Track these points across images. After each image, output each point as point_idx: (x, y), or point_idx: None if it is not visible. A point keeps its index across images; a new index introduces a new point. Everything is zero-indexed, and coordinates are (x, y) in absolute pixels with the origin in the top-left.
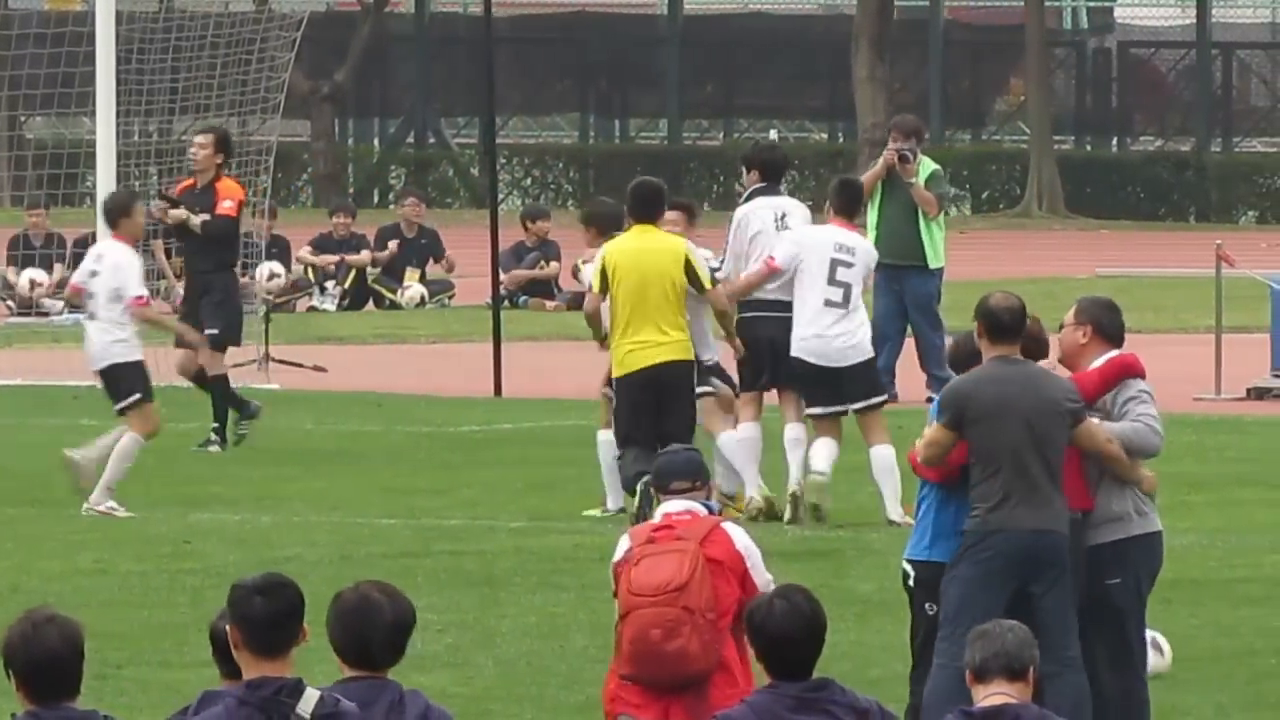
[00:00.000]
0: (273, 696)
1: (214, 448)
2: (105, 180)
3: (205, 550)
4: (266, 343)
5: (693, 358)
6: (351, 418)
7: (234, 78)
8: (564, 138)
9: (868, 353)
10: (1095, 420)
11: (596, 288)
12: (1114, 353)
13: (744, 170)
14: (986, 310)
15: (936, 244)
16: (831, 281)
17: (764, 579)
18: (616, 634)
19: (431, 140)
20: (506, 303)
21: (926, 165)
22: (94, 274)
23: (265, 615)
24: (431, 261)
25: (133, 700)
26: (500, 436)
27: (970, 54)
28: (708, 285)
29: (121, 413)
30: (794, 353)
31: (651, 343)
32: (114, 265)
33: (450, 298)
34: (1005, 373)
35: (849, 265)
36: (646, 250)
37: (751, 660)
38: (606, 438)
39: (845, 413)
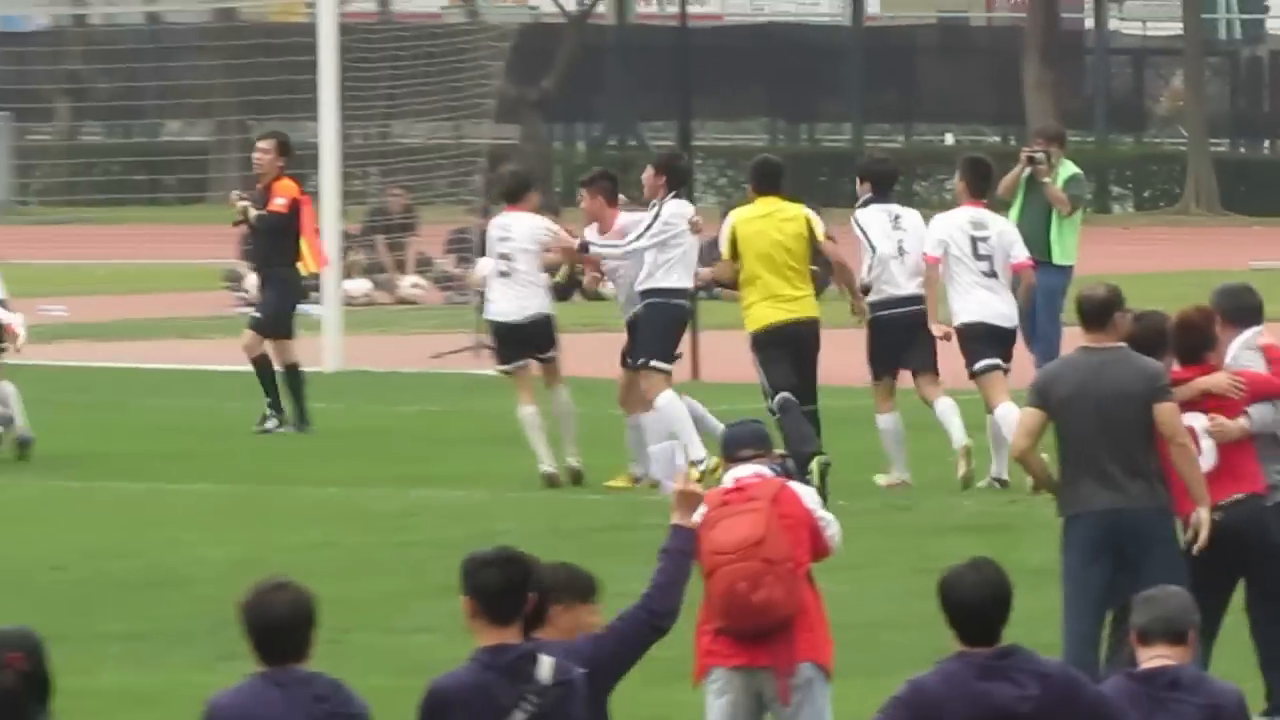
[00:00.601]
0: (514, 661)
1: (271, 423)
2: (329, 180)
3: (425, 524)
4: (479, 330)
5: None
6: None
7: (447, 84)
8: (755, 140)
9: (1015, 321)
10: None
11: (726, 254)
12: (1249, 333)
13: (858, 181)
14: (1076, 301)
15: (1065, 242)
16: (977, 257)
17: (831, 532)
18: (705, 594)
19: (632, 142)
20: (702, 294)
21: (1068, 168)
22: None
23: (499, 586)
24: None
25: (359, 663)
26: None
27: (1132, 63)
28: (822, 239)
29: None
30: (965, 319)
31: (786, 297)
32: None
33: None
34: (1086, 360)
35: (985, 239)
36: (772, 217)
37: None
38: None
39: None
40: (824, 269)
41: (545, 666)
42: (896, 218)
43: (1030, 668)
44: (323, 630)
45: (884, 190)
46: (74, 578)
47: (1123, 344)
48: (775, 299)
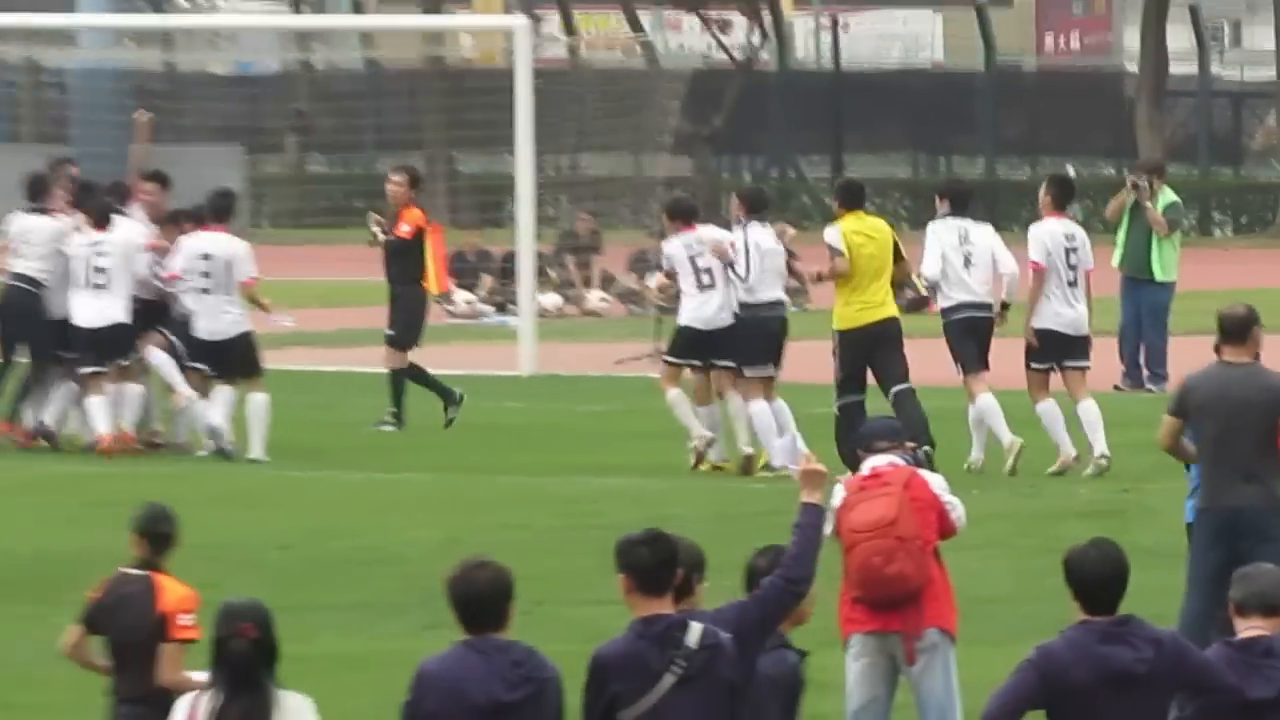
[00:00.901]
0: (664, 630)
1: (387, 427)
2: (525, 206)
3: (607, 509)
4: (656, 339)
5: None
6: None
7: (630, 122)
8: (898, 171)
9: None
10: None
11: (848, 255)
12: None
13: (939, 198)
14: (1217, 318)
15: (1165, 261)
16: (1068, 265)
17: (956, 514)
18: (845, 568)
19: (791, 174)
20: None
21: (1168, 195)
22: None
23: (650, 562)
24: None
25: (549, 632)
26: None
27: (1231, 104)
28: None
29: None
30: (1044, 325)
31: (875, 303)
32: None
33: (808, 302)
34: (1221, 372)
35: (1075, 250)
36: (869, 229)
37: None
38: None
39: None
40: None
41: (694, 633)
42: (966, 232)
43: (1145, 634)
44: (518, 603)
45: (960, 207)
46: (299, 556)
47: (1257, 360)
48: (866, 304)
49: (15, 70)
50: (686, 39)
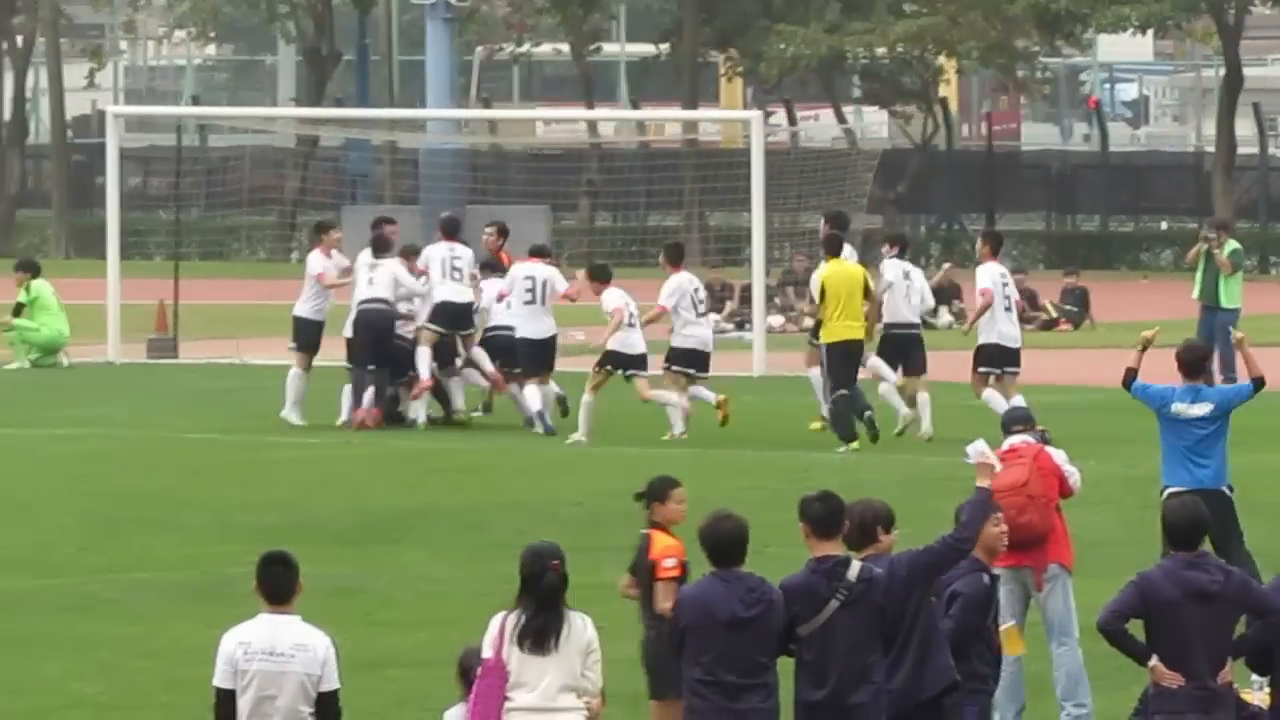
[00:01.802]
0: (832, 567)
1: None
2: (757, 250)
3: (817, 476)
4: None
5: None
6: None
7: (835, 188)
8: (1036, 225)
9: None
10: None
11: (819, 299)
12: None
13: (980, 242)
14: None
15: (1230, 292)
16: (1005, 295)
17: (1074, 480)
18: None
19: (956, 227)
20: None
21: (1232, 244)
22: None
23: (822, 513)
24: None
25: (774, 568)
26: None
27: None
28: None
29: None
30: (990, 340)
31: (854, 325)
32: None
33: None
34: None
35: (1007, 284)
36: (845, 272)
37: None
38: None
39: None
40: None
41: (854, 568)
42: (1005, 274)
43: (1217, 565)
44: (751, 545)
45: (996, 251)
46: (588, 511)
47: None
48: (848, 325)
49: (380, 150)
50: (872, 120)
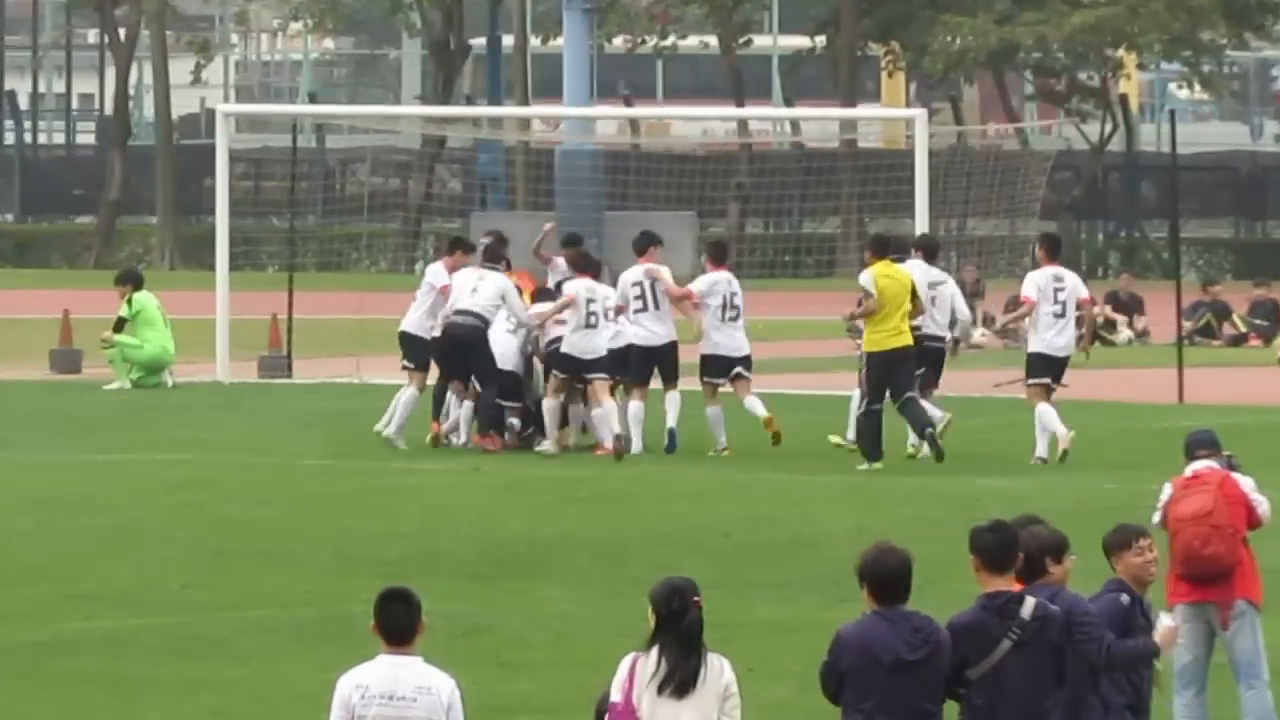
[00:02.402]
0: (1004, 604)
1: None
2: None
3: (988, 505)
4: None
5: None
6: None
7: (1006, 193)
8: (1224, 233)
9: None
10: None
11: (877, 295)
12: None
13: (1038, 248)
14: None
15: None
16: (1054, 301)
17: (1262, 510)
18: (1171, 550)
19: (1136, 234)
20: (1186, 341)
21: None
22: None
23: (993, 545)
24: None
25: (939, 605)
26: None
27: None
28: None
29: None
30: (1036, 349)
31: (896, 330)
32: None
33: (1144, 340)
34: None
35: (1062, 289)
36: (895, 275)
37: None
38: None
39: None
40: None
41: (1028, 606)
42: (1059, 279)
43: None
44: (916, 580)
45: (1053, 256)
46: (737, 542)
47: None
48: (892, 331)
49: (513, 151)
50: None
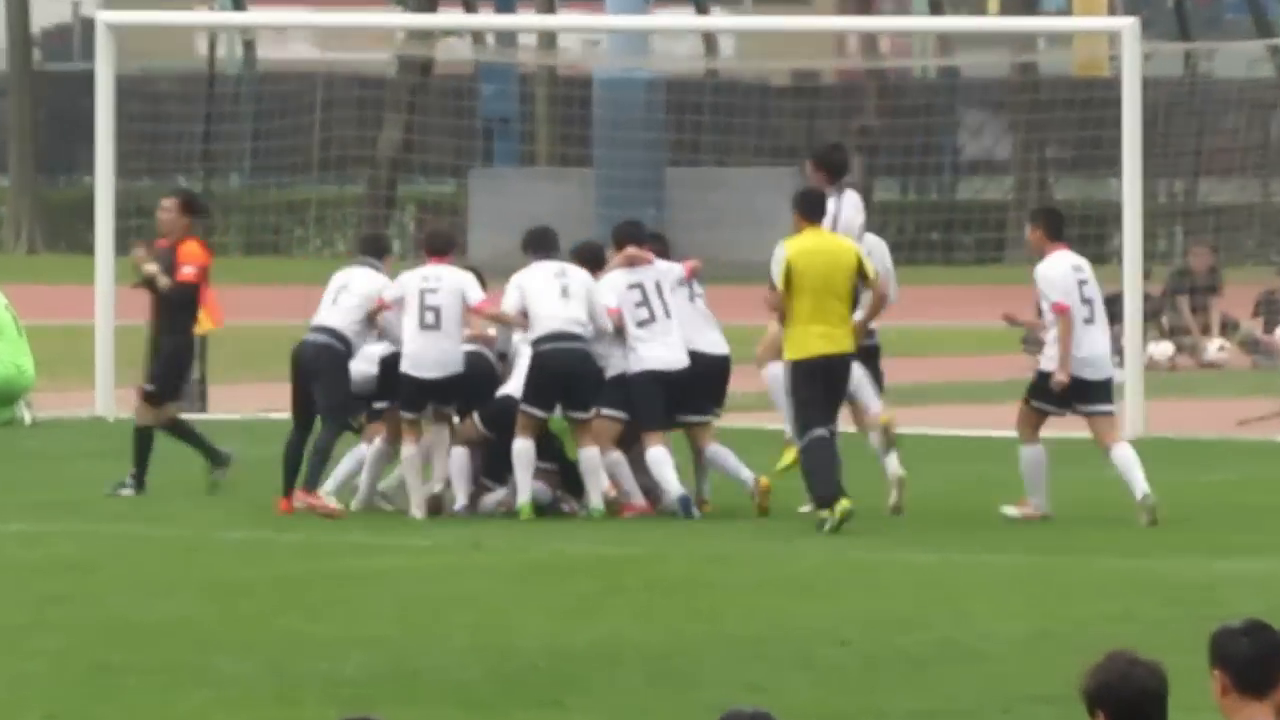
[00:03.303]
0: None
1: (126, 491)
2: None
3: (1227, 597)
4: None
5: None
6: None
7: (1256, 140)
8: None
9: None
10: None
11: (781, 285)
12: None
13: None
14: None
15: None
16: (1083, 301)
17: None
18: None
19: None
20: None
21: None
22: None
23: (1250, 656)
24: None
25: None
26: None
27: None
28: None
29: None
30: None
31: (829, 331)
32: None
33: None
34: None
35: (1086, 281)
36: (824, 248)
37: None
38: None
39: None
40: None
41: None
42: (1081, 268)
43: None
44: None
45: (1056, 233)
46: (858, 652)
47: None
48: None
49: (531, 80)
50: None
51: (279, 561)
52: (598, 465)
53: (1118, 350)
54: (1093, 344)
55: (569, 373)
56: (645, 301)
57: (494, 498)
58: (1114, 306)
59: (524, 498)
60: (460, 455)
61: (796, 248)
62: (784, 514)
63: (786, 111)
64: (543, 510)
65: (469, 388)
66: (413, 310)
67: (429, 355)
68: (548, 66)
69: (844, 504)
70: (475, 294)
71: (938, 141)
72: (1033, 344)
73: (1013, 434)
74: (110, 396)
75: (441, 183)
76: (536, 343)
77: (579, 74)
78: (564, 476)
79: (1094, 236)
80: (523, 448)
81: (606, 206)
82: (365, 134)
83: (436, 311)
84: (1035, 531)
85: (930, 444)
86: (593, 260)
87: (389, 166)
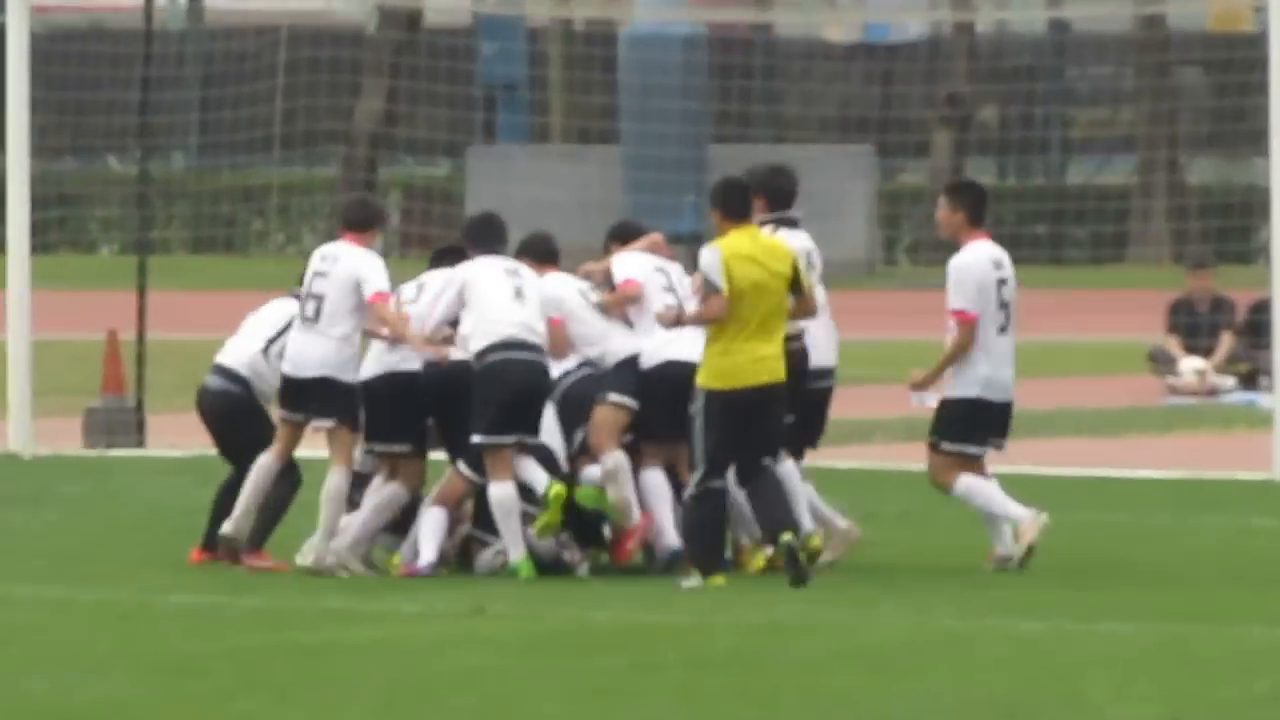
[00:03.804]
0: None
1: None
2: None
3: None
4: None
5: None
6: None
7: None
8: None
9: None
10: None
11: (726, 290)
12: None
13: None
14: None
15: None
16: (1000, 305)
17: None
18: None
19: None
20: None
21: None
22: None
23: None
24: None
25: None
26: None
27: None
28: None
29: None
30: (965, 392)
31: (755, 354)
32: None
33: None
34: None
35: (1005, 281)
36: (762, 255)
37: None
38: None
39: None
40: None
41: None
42: (1001, 263)
43: None
44: None
45: (978, 218)
46: None
47: None
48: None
49: (543, 37)
50: None
51: (235, 632)
52: (512, 507)
53: (1267, 370)
54: (1003, 359)
55: (529, 389)
56: (672, 289)
57: (490, 553)
58: (1260, 315)
59: (517, 553)
60: (436, 516)
61: (731, 250)
62: (852, 570)
63: (856, 75)
64: (547, 567)
65: (404, 403)
66: (303, 296)
67: (310, 357)
68: (562, 20)
69: (719, 580)
70: (375, 283)
71: (1043, 113)
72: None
73: (1138, 472)
74: (27, 430)
75: (433, 164)
76: (483, 353)
77: (601, 29)
78: (567, 520)
79: (1236, 230)
80: (503, 494)
81: (635, 192)
82: (339, 104)
83: (319, 303)
84: (1166, 594)
85: (1032, 485)
86: (545, 255)
87: (368, 144)
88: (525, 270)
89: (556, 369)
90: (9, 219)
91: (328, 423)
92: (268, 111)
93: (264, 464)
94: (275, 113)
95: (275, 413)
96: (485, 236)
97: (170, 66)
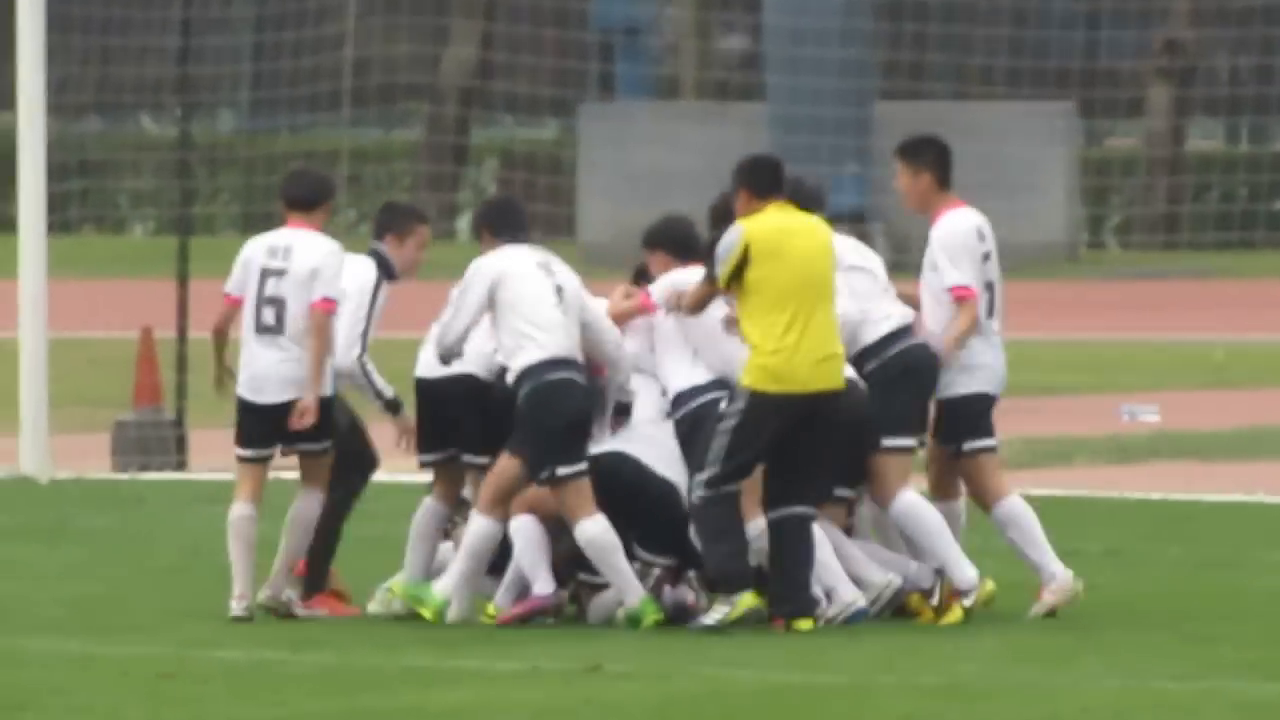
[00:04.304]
0: None
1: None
2: None
3: None
4: None
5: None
6: None
7: None
8: None
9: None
10: None
11: (724, 281)
12: None
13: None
14: None
15: None
16: (985, 286)
17: None
18: None
19: None
20: None
21: None
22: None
23: None
24: None
25: None
26: None
27: None
28: None
29: None
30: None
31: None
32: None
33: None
34: None
35: (990, 256)
36: (798, 233)
37: None
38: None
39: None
40: None
41: None
42: (982, 234)
43: None
44: None
45: (944, 180)
46: None
47: None
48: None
49: None
50: None
51: (296, 695)
52: (610, 543)
53: None
54: (999, 347)
55: (584, 421)
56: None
57: (611, 595)
58: None
59: (634, 597)
60: (530, 531)
61: (760, 228)
62: (1045, 619)
63: (1055, 16)
64: (673, 617)
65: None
66: (250, 301)
67: (273, 374)
68: None
69: (750, 597)
70: (327, 285)
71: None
72: None
73: None
74: (43, 448)
75: (537, 125)
76: (528, 372)
77: None
78: (684, 561)
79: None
80: (596, 531)
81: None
82: (422, 51)
83: (278, 308)
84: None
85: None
86: (685, 248)
87: (458, 100)
88: (559, 264)
89: (677, 381)
90: (20, 192)
91: (320, 445)
92: (335, 61)
93: (293, 512)
94: (344, 62)
95: (236, 451)
96: (509, 222)
97: (216, 4)
